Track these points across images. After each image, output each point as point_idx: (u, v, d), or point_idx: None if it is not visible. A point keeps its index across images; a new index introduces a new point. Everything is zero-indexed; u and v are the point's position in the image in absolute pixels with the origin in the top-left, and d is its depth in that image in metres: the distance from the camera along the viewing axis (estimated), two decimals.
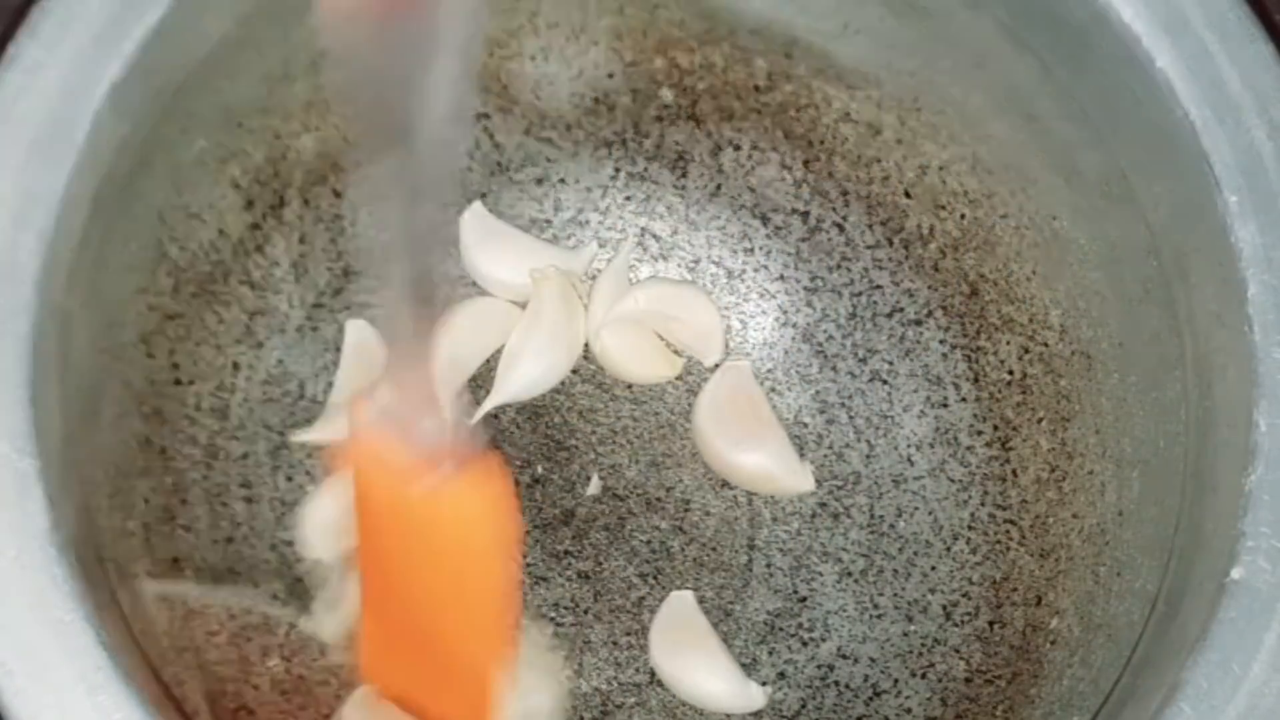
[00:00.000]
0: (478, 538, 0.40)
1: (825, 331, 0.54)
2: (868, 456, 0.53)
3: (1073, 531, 0.47)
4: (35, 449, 0.37)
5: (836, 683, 0.51)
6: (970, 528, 0.51)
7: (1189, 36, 0.41)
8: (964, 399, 0.52)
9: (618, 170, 0.54)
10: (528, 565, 0.52)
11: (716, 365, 0.54)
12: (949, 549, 0.51)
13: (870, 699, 0.50)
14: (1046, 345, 0.49)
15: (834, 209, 0.53)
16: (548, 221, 0.54)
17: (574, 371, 0.54)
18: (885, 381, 0.53)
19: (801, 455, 0.53)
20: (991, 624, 0.49)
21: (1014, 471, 0.50)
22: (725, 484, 0.53)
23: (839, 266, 0.53)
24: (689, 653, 0.51)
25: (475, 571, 0.41)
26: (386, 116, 0.30)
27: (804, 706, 0.51)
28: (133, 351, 0.45)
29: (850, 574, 0.52)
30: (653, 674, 0.51)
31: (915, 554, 0.52)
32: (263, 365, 0.51)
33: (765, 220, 0.54)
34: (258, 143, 0.48)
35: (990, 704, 0.48)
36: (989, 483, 0.51)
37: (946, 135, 0.49)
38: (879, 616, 0.51)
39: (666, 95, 0.52)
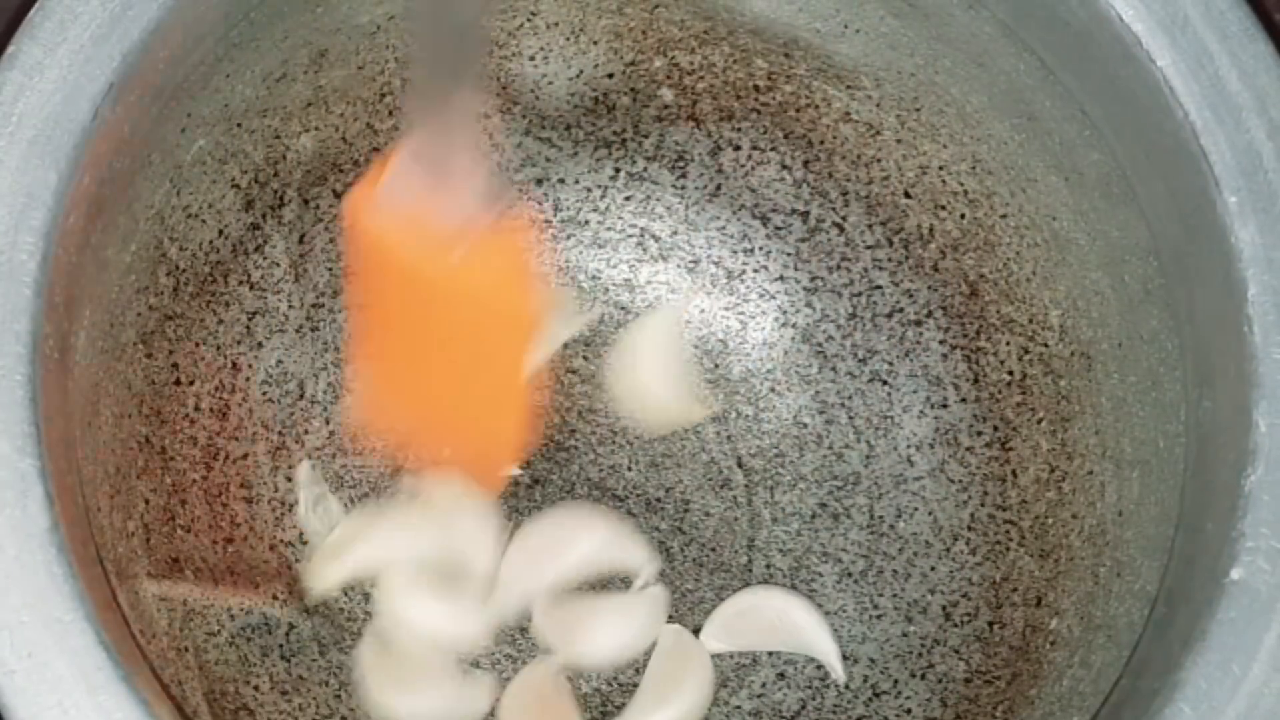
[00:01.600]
0: (501, 302, 0.40)
1: (825, 332, 0.54)
2: (868, 457, 0.53)
3: (1073, 532, 0.47)
4: (35, 449, 0.37)
5: (836, 683, 0.51)
6: (970, 528, 0.51)
7: (1189, 36, 0.41)
8: (964, 399, 0.52)
9: (617, 170, 0.54)
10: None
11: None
12: (949, 549, 0.51)
13: (870, 699, 0.50)
14: (1046, 345, 0.49)
15: (834, 209, 0.53)
16: (547, 222, 0.54)
17: (573, 372, 0.54)
18: (885, 382, 0.53)
19: (801, 455, 0.53)
20: (991, 625, 0.49)
21: (1014, 472, 0.50)
22: (725, 484, 0.53)
23: (839, 267, 0.53)
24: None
25: (497, 332, 0.41)
26: None
27: (804, 707, 0.51)
28: (133, 351, 0.45)
29: (850, 574, 0.52)
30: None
31: (915, 554, 0.52)
32: (262, 365, 0.51)
33: (765, 220, 0.54)
34: (257, 143, 0.48)
35: (990, 704, 0.48)
36: (989, 483, 0.51)
37: (946, 135, 0.49)
38: (879, 617, 0.51)
39: (666, 95, 0.52)
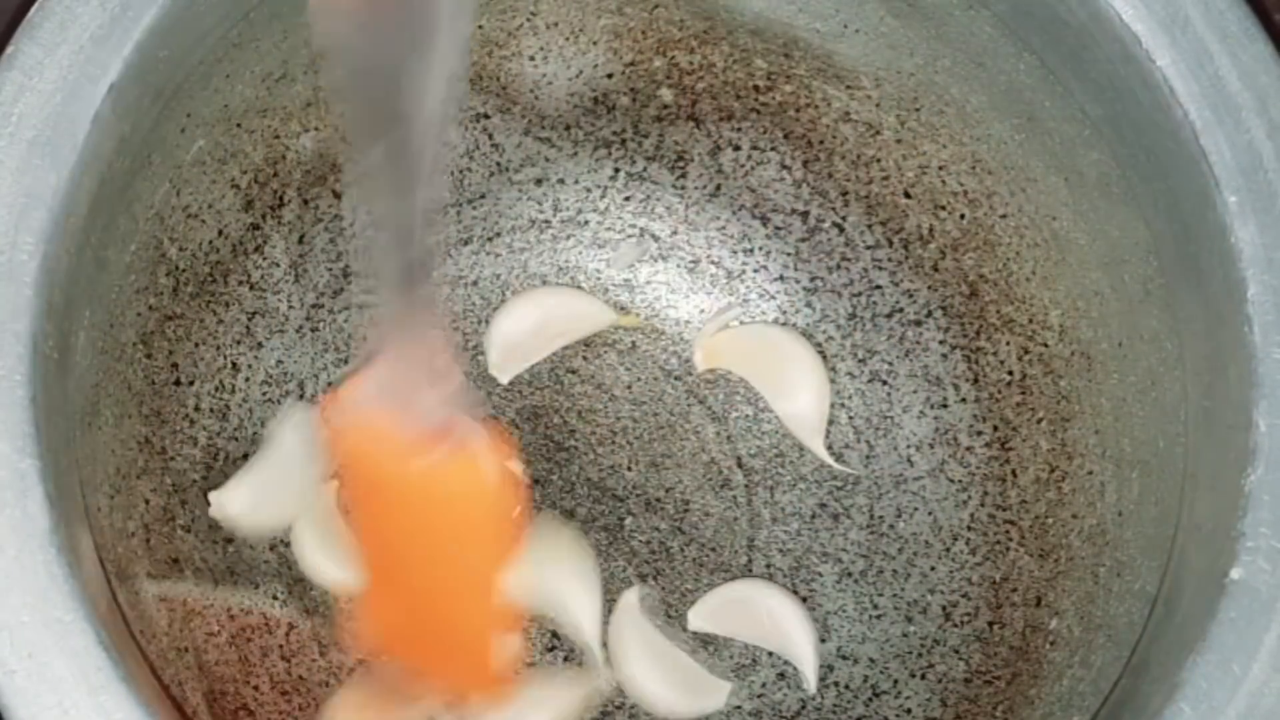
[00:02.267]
0: (478, 510, 0.40)
1: (825, 332, 0.54)
2: (868, 457, 0.53)
3: (1072, 532, 0.47)
4: (35, 449, 0.37)
5: (836, 683, 0.51)
6: (970, 528, 0.51)
7: (1189, 36, 0.41)
8: (964, 399, 0.52)
9: (617, 170, 0.54)
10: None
11: None
12: (949, 549, 0.51)
13: (870, 699, 0.50)
14: (1046, 345, 0.49)
15: (834, 209, 0.53)
16: (546, 222, 0.54)
17: (573, 372, 0.54)
18: (885, 382, 0.53)
19: (801, 455, 0.53)
20: (991, 625, 0.49)
21: (1014, 472, 0.50)
22: (725, 484, 0.53)
23: (839, 267, 0.53)
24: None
25: (476, 541, 0.41)
26: (378, 108, 0.31)
27: (804, 707, 0.51)
28: (133, 351, 0.45)
29: (850, 574, 0.52)
30: None
31: (915, 554, 0.52)
32: (262, 365, 0.51)
33: (765, 220, 0.54)
34: (257, 143, 0.48)
35: (990, 704, 0.48)
36: (989, 483, 0.51)
37: (946, 135, 0.49)
38: (878, 617, 0.51)
39: (666, 95, 0.52)
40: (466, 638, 0.44)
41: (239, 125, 0.47)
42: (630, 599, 0.51)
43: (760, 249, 0.54)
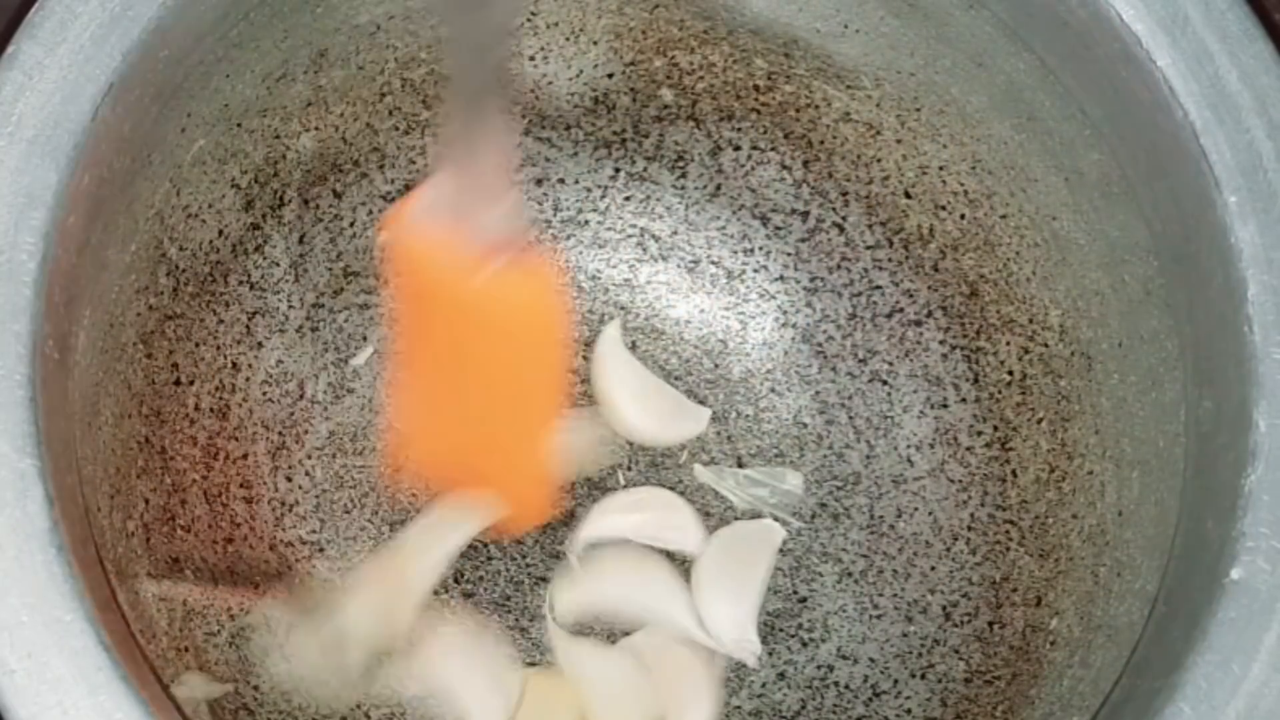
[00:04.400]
0: (535, 323, 0.41)
1: (825, 332, 0.54)
2: (868, 457, 0.53)
3: (1072, 532, 0.47)
4: (35, 449, 0.37)
5: (836, 683, 0.51)
6: (970, 528, 0.51)
7: (1189, 36, 0.41)
8: (964, 399, 0.52)
9: (617, 170, 0.54)
10: (527, 565, 0.52)
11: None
12: (949, 549, 0.51)
13: (870, 699, 0.50)
14: (1046, 345, 0.49)
15: (834, 209, 0.53)
16: (546, 222, 0.54)
17: (573, 371, 0.54)
18: (885, 382, 0.53)
19: (801, 455, 0.53)
20: (991, 624, 0.49)
21: (1014, 472, 0.50)
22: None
23: (839, 267, 0.53)
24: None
25: (532, 356, 0.42)
26: None
27: (804, 707, 0.51)
28: (133, 351, 0.45)
29: (850, 574, 0.52)
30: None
31: (915, 554, 0.52)
32: (262, 365, 0.51)
33: (765, 220, 0.54)
34: (257, 143, 0.48)
35: (990, 704, 0.48)
36: (989, 483, 0.51)
37: (946, 135, 0.49)
38: (879, 617, 0.51)
39: (666, 95, 0.52)
40: (518, 456, 0.45)
41: (239, 125, 0.47)
42: (612, 332, 0.53)
43: (760, 249, 0.54)
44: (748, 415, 0.54)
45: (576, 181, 0.54)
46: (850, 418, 0.53)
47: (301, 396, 0.52)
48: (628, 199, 0.54)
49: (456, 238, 0.39)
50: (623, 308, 0.55)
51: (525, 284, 0.40)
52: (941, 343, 0.52)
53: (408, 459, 0.48)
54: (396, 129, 0.52)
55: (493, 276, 0.39)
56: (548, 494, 0.48)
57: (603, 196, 0.54)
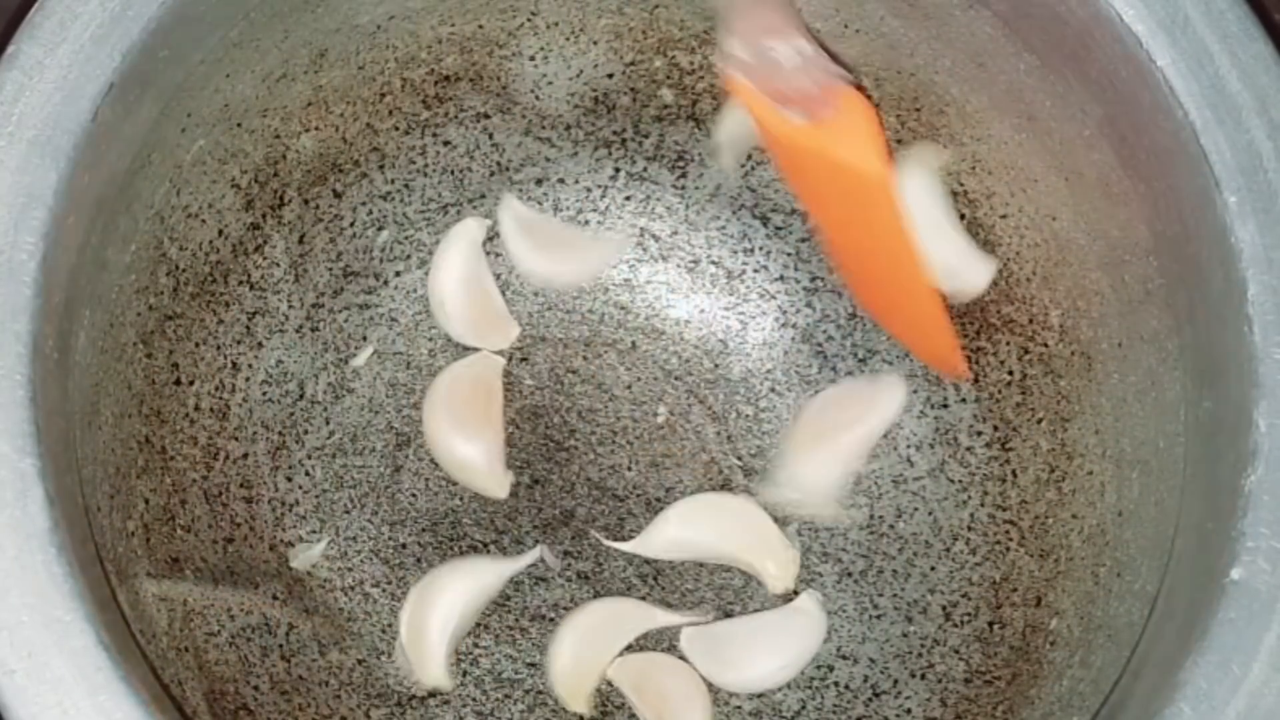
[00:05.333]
0: (867, 160, 0.41)
1: (825, 332, 0.54)
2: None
3: (1072, 532, 0.47)
4: (35, 449, 0.37)
5: (836, 683, 0.51)
6: (970, 528, 0.51)
7: (1189, 36, 0.41)
8: (964, 399, 0.52)
9: (617, 170, 0.54)
10: (528, 566, 0.52)
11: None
12: (948, 549, 0.51)
13: (870, 699, 0.50)
14: (1046, 345, 0.49)
15: None
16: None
17: (573, 372, 0.54)
18: None
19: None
20: (991, 625, 0.49)
21: (1014, 472, 0.50)
22: (725, 484, 0.53)
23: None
24: None
25: (874, 195, 0.42)
26: None
27: (804, 707, 0.51)
28: (133, 351, 0.45)
29: (850, 574, 0.52)
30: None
31: (915, 554, 0.52)
32: (262, 365, 0.51)
33: (765, 220, 0.54)
34: (257, 143, 0.48)
35: (990, 704, 0.48)
36: (989, 483, 0.51)
37: (946, 135, 0.49)
38: (879, 617, 0.51)
39: (666, 95, 0.52)
40: (908, 297, 0.46)
41: (239, 125, 0.47)
42: (469, 226, 0.53)
43: (760, 249, 0.54)
44: (748, 415, 0.54)
45: (576, 181, 0.54)
46: None
47: (301, 396, 0.52)
48: (628, 199, 0.54)
49: (769, 87, 0.39)
50: (623, 308, 0.55)
51: (839, 135, 0.40)
52: None
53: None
54: (396, 129, 0.52)
55: (812, 128, 0.39)
56: (949, 344, 0.48)
57: (603, 196, 0.54)
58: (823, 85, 0.39)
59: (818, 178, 0.42)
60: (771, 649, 0.50)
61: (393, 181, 0.52)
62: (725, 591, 0.52)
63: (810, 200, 0.45)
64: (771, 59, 0.38)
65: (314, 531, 0.51)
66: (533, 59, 0.52)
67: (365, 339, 0.53)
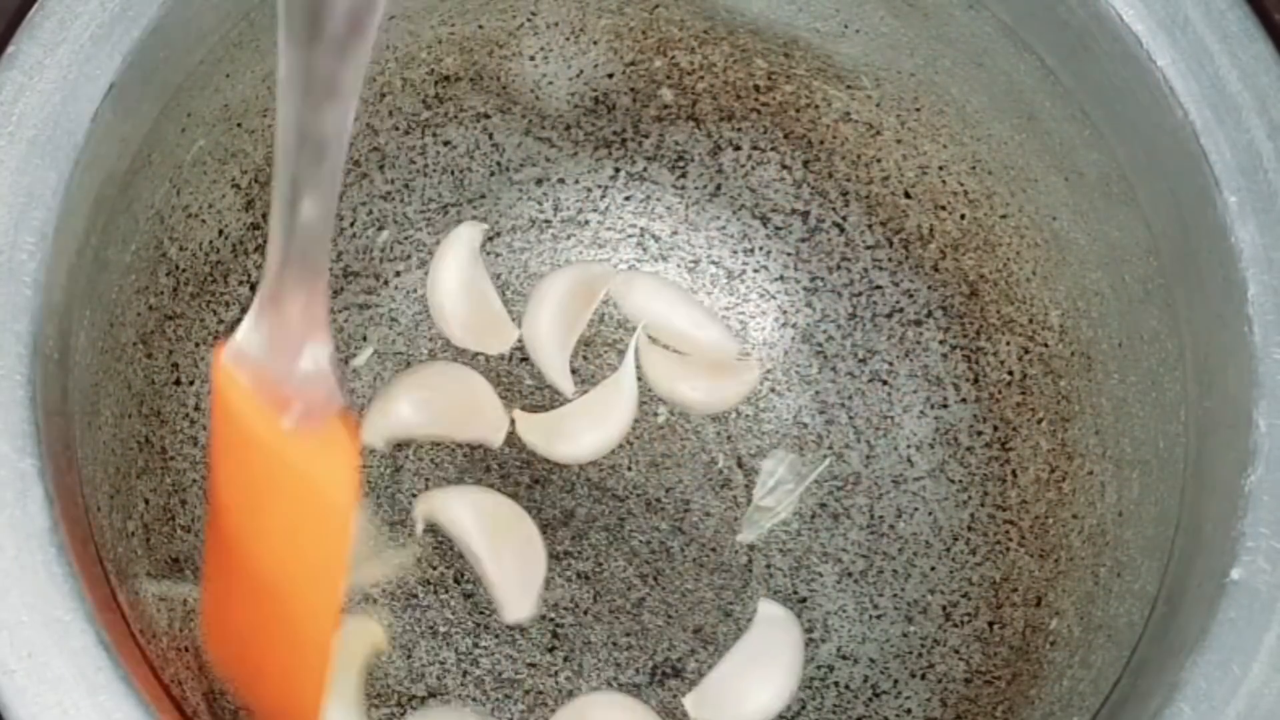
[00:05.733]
0: (324, 491, 0.38)
1: (825, 332, 0.54)
2: (868, 457, 0.53)
3: (1073, 532, 0.47)
4: (35, 449, 0.37)
5: (836, 683, 0.51)
6: (970, 528, 0.51)
7: (1189, 36, 0.41)
8: (964, 399, 0.52)
9: (617, 170, 0.54)
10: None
11: None
12: (949, 549, 0.51)
13: (870, 699, 0.50)
14: (1046, 345, 0.49)
15: (834, 209, 0.53)
16: (547, 222, 0.54)
17: (573, 372, 0.54)
18: (885, 382, 0.53)
19: (801, 455, 0.53)
20: (991, 625, 0.49)
21: (1014, 472, 0.50)
22: (725, 484, 0.53)
23: (839, 267, 0.53)
24: None
25: (316, 526, 0.39)
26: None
27: (804, 707, 0.51)
28: (133, 351, 0.45)
29: (850, 574, 0.52)
30: (652, 673, 0.51)
31: (915, 554, 0.52)
32: None
33: (765, 220, 0.54)
34: (258, 143, 0.48)
35: (990, 705, 0.48)
36: (989, 483, 0.51)
37: (946, 135, 0.49)
38: (879, 617, 0.51)
39: (666, 95, 0.52)
40: (295, 629, 0.41)
41: (239, 125, 0.47)
42: (466, 232, 0.53)
43: (760, 249, 0.54)
44: (748, 415, 0.54)
45: (576, 181, 0.54)
46: (850, 418, 0.53)
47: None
48: (628, 199, 0.54)
49: (267, 382, 0.36)
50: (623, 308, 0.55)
51: (323, 447, 0.37)
52: (941, 343, 0.52)
53: (204, 625, 0.45)
54: (396, 129, 0.52)
55: (294, 431, 0.36)
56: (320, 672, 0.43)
57: (603, 196, 0.54)
58: (325, 401, 0.37)
59: (271, 480, 0.39)
60: (763, 676, 0.50)
61: (393, 181, 0.52)
62: (725, 592, 0.52)
63: (232, 488, 0.40)
64: (277, 358, 0.36)
65: None
66: (533, 59, 0.52)
67: (365, 339, 0.53)
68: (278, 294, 0.35)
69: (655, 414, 0.54)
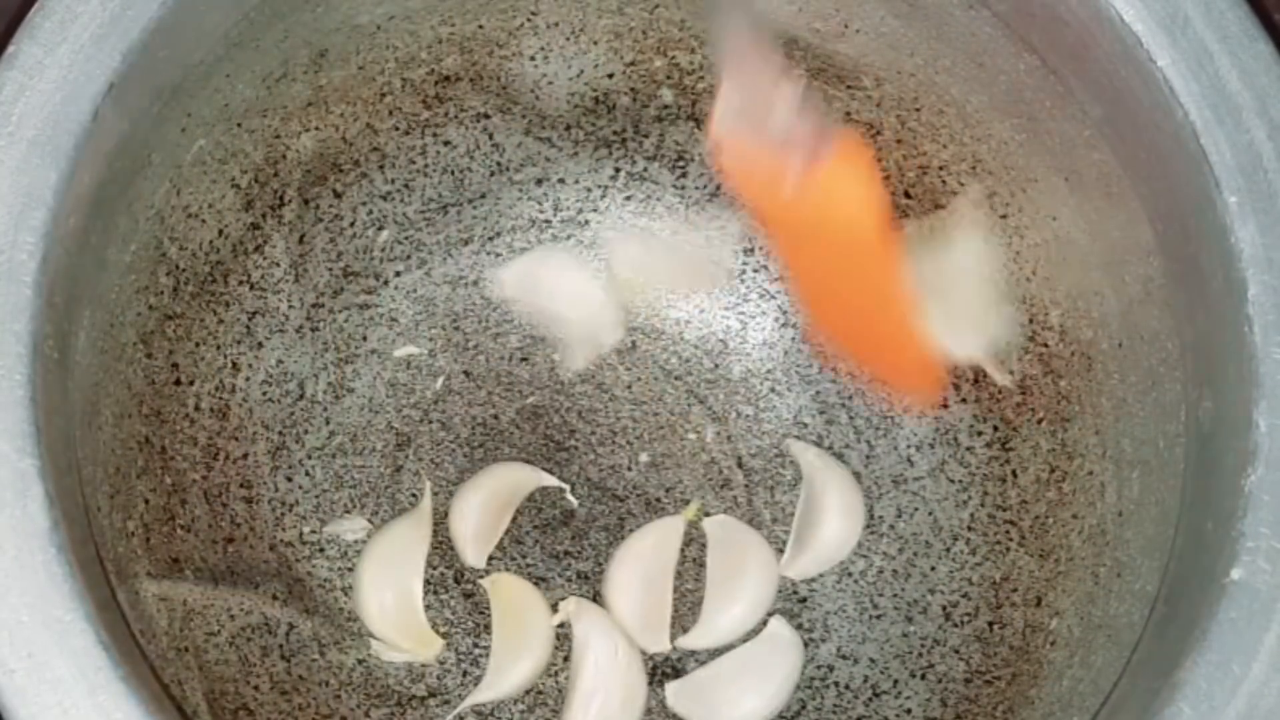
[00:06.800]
0: (860, 212, 0.41)
1: None
2: (868, 457, 0.53)
3: (1073, 532, 0.47)
4: (35, 449, 0.37)
5: (836, 683, 0.51)
6: (970, 528, 0.51)
7: (1189, 36, 0.41)
8: (964, 399, 0.52)
9: (618, 170, 0.54)
10: (528, 565, 0.52)
11: None
12: (948, 549, 0.51)
13: (870, 699, 0.50)
14: (1046, 345, 0.49)
15: None
16: (547, 222, 0.54)
17: (574, 371, 0.54)
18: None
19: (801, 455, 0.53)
20: (991, 625, 0.49)
21: (1014, 472, 0.50)
22: (725, 484, 0.53)
23: None
24: None
25: (867, 242, 0.42)
26: None
27: (804, 707, 0.51)
28: (133, 351, 0.45)
29: (850, 574, 0.52)
30: (652, 673, 0.51)
31: (915, 554, 0.52)
32: (262, 365, 0.51)
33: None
34: (257, 143, 0.48)
35: (990, 705, 0.48)
36: (989, 483, 0.51)
37: (946, 135, 0.49)
38: (879, 617, 0.51)
39: (666, 95, 0.52)
40: (893, 339, 0.46)
41: (239, 125, 0.47)
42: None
43: (761, 248, 0.54)
44: (748, 415, 0.54)
45: (576, 181, 0.54)
46: (850, 418, 0.53)
47: (301, 396, 0.52)
48: (628, 199, 0.54)
49: (763, 145, 0.40)
50: (622, 308, 0.55)
51: (834, 184, 0.40)
52: None
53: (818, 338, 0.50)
54: (396, 129, 0.52)
55: (802, 182, 0.40)
56: (932, 374, 0.49)
57: (603, 196, 0.54)
58: (818, 132, 0.39)
59: (814, 245, 0.43)
60: (756, 685, 0.50)
61: (393, 181, 0.52)
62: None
63: (798, 265, 0.46)
64: (765, 106, 0.39)
65: (314, 531, 0.51)
66: (533, 59, 0.52)
67: (365, 339, 0.53)
68: (733, 66, 0.38)
69: (655, 414, 0.54)
